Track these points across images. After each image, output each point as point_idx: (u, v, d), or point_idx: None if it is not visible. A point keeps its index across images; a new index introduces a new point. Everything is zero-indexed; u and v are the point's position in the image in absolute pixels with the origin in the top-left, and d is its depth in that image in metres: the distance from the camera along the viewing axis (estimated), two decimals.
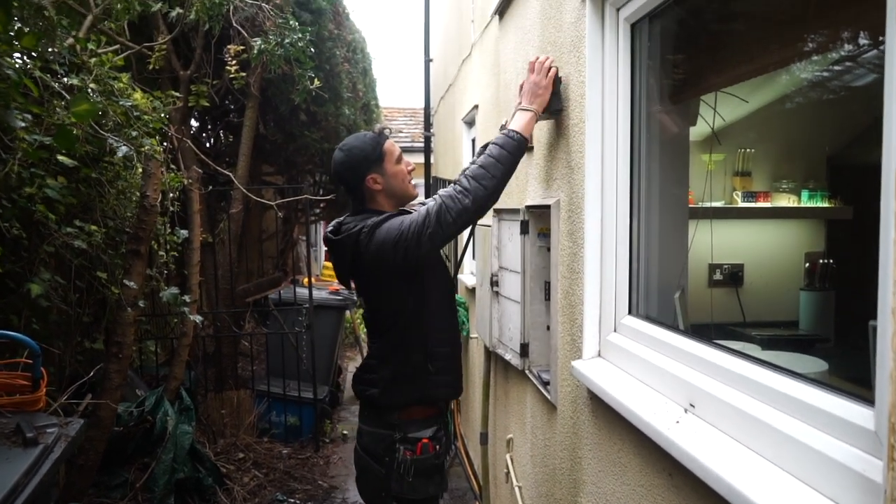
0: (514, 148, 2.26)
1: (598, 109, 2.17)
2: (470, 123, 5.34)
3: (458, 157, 5.92)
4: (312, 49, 3.52)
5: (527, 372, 3.10)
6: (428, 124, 8.25)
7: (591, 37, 2.17)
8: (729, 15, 1.96)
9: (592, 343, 2.23)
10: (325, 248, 2.59)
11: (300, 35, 3.27)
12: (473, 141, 5.30)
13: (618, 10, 2.12)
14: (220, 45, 5.98)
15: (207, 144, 7.67)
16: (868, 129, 3.28)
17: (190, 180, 4.07)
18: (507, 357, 3.36)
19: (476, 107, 4.62)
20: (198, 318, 3.73)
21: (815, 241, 3.38)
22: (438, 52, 7.76)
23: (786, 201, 3.28)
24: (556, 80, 2.46)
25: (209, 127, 7.57)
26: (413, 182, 2.50)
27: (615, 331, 2.17)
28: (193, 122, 7.53)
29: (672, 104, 2.16)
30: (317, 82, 3.68)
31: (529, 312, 3.09)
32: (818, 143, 3.29)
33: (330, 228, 2.46)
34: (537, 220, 3.07)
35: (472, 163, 2.80)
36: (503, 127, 2.59)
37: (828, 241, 3.35)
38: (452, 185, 2.30)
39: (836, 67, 2.88)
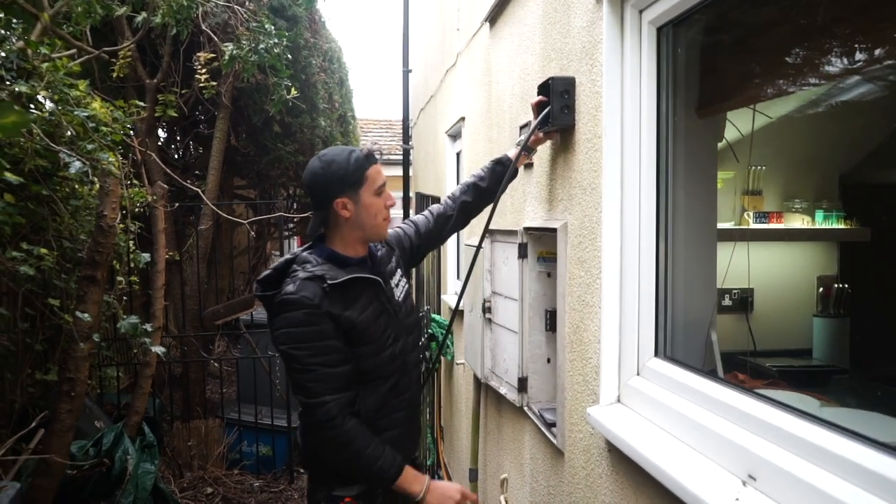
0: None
1: (616, 123, 1.93)
2: (454, 136, 5.08)
3: (440, 171, 5.66)
4: (289, 56, 3.23)
5: (525, 409, 2.83)
6: (407, 136, 7.98)
7: (609, 42, 1.92)
8: (769, 22, 1.72)
9: (610, 387, 1.97)
10: None
11: (276, 41, 2.99)
12: (458, 155, 5.04)
13: (640, 11, 1.87)
14: (189, 53, 5.66)
15: (176, 157, 7.32)
16: (882, 145, 3.10)
17: (155, 196, 3.75)
18: (502, 391, 3.09)
19: (462, 119, 4.37)
20: (160, 350, 3.40)
21: (828, 264, 3.18)
22: (418, 62, 7.51)
23: (799, 222, 3.08)
24: (562, 94, 2.21)
25: (178, 139, 7.23)
26: (390, 217, 2.11)
27: (638, 374, 1.91)
28: (161, 134, 7.19)
29: (699, 118, 1.91)
30: (293, 91, 3.39)
31: (528, 344, 2.83)
32: (830, 159, 3.10)
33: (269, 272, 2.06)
34: (537, 244, 2.82)
35: (467, 185, 2.53)
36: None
37: (841, 265, 3.15)
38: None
39: (851, 80, 2.68)
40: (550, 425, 2.52)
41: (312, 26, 6.78)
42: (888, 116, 2.98)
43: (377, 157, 2.04)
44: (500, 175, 2.53)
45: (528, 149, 2.47)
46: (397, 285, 2.19)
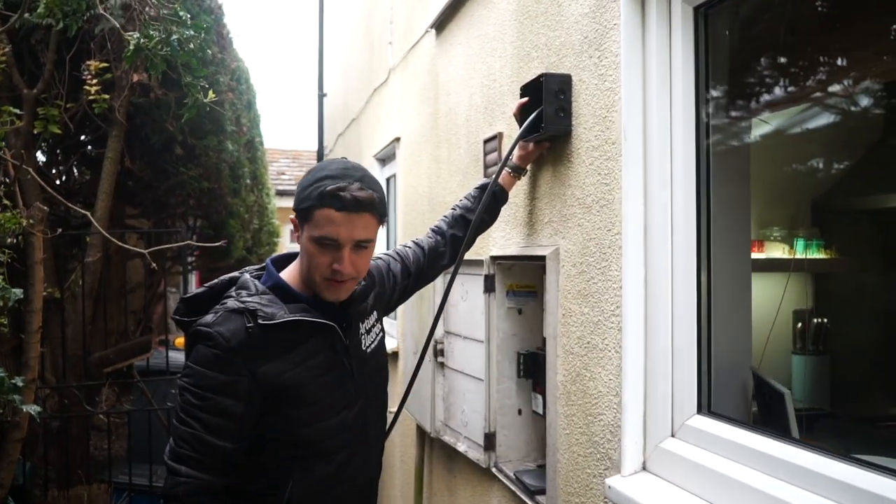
0: None
1: (638, 126, 1.57)
2: (384, 160, 4.66)
3: None
4: (207, 51, 2.73)
5: (493, 470, 2.40)
6: None
7: (628, 28, 1.58)
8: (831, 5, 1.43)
9: (634, 452, 1.57)
10: None
11: (192, 32, 2.50)
12: (389, 180, 4.61)
13: None
14: (77, 62, 4.96)
15: (59, 182, 6.47)
16: (854, 168, 2.94)
17: (31, 221, 3.09)
18: (460, 447, 2.65)
19: (397, 139, 3.96)
20: (34, 409, 2.73)
21: (801, 296, 2.97)
22: (335, 85, 7.07)
23: (779, 252, 2.87)
24: (557, 95, 1.85)
25: (60, 159, 6.39)
26: (340, 283, 1.49)
27: (673, 436, 1.53)
28: (41, 157, 6.34)
29: (737, 119, 1.59)
30: (211, 95, 2.88)
31: (496, 393, 2.42)
32: (803, 183, 2.91)
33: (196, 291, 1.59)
34: (506, 275, 2.43)
35: (454, 218, 2.06)
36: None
37: (816, 297, 2.95)
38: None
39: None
40: (535, 493, 2.10)
41: (220, 41, 6.21)
42: (856, 141, 2.83)
43: (349, 202, 1.40)
44: (490, 203, 2.04)
45: (517, 169, 2.06)
46: (368, 332, 1.67)
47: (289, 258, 1.63)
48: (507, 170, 2.06)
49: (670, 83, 1.55)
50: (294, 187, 1.66)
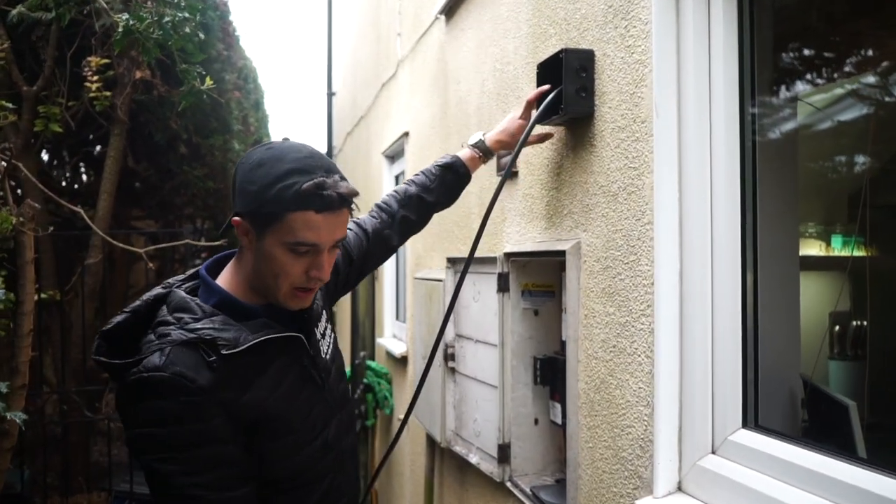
0: None
1: (671, 100, 1.39)
2: (393, 156, 4.50)
3: (371, 198, 5.03)
4: (200, 35, 2.57)
5: (508, 484, 2.22)
6: None
7: None
8: None
9: (668, 470, 1.39)
10: None
11: (187, 15, 2.34)
12: (398, 177, 4.45)
13: None
14: (78, 59, 4.85)
15: (63, 183, 6.37)
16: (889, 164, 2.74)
17: (21, 218, 2.94)
18: (472, 459, 2.46)
19: (405, 134, 3.79)
20: (20, 417, 2.57)
21: (838, 297, 2.76)
22: (345, 82, 6.92)
23: (816, 249, 2.68)
24: (578, 73, 1.67)
25: (66, 159, 6.28)
26: (308, 293, 1.29)
27: (714, 452, 1.35)
28: (44, 157, 6.24)
29: (786, 96, 1.41)
30: (209, 82, 2.72)
31: (511, 401, 2.23)
32: (840, 177, 2.71)
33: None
34: (521, 273, 2.25)
35: (408, 196, 1.82)
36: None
37: (854, 298, 2.75)
38: None
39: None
40: None
41: (227, 39, 6.09)
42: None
43: (334, 201, 1.20)
44: (452, 185, 1.87)
45: (486, 152, 1.91)
46: (323, 336, 1.44)
47: (219, 263, 1.36)
48: (475, 150, 1.90)
49: (709, 52, 1.37)
50: None
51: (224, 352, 1.17)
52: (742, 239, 1.32)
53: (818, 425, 1.43)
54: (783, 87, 1.46)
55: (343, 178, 1.24)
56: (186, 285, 1.31)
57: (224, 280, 1.31)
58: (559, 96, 1.69)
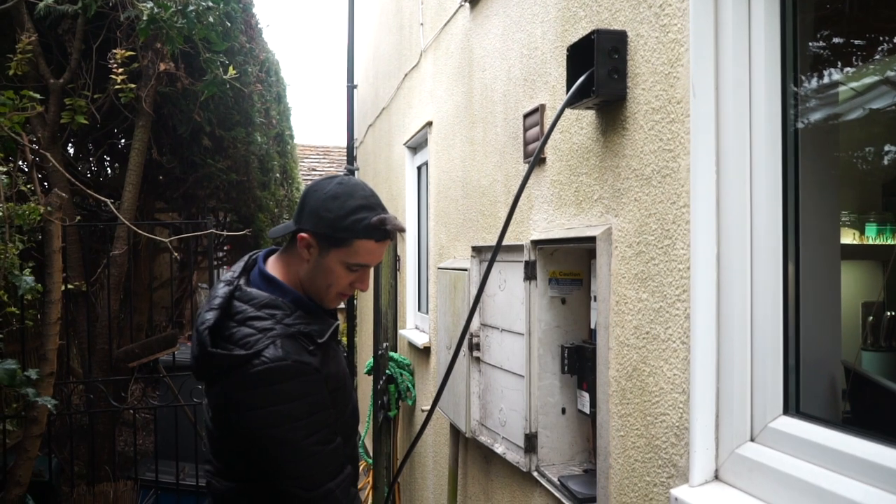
0: None
1: (709, 79, 1.36)
2: (415, 147, 4.48)
3: (394, 189, 5.03)
4: (227, 22, 2.57)
5: (535, 474, 2.20)
6: (351, 157, 7.33)
7: None
8: None
9: (704, 458, 1.36)
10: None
11: (211, 4, 2.33)
12: (421, 168, 4.42)
13: None
14: (103, 52, 4.88)
15: (89, 175, 6.43)
16: None
17: (49, 208, 2.97)
18: (498, 449, 2.44)
19: (429, 124, 3.77)
20: (51, 402, 2.60)
21: (873, 286, 2.70)
22: (366, 74, 6.91)
23: (850, 237, 2.62)
24: (610, 54, 1.64)
25: (91, 151, 6.34)
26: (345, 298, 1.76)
27: (753, 440, 1.31)
28: (70, 150, 6.30)
29: (827, 81, 1.37)
30: (232, 71, 2.72)
31: (538, 390, 2.21)
32: (875, 164, 2.64)
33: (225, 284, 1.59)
34: (548, 261, 2.22)
35: None
36: None
37: (888, 288, 2.68)
38: None
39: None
40: (583, 501, 1.89)
41: (249, 31, 6.09)
42: None
43: (391, 234, 1.57)
44: None
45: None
46: None
47: (265, 261, 1.65)
48: None
49: (749, 30, 1.33)
50: None
51: (319, 340, 1.52)
52: (784, 223, 1.28)
53: (862, 413, 1.38)
54: (826, 69, 1.42)
55: (395, 217, 1.57)
56: (242, 280, 1.59)
57: (282, 280, 1.60)
58: (590, 79, 1.66)
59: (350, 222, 1.50)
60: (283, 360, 1.44)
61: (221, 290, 1.55)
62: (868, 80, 1.77)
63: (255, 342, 1.45)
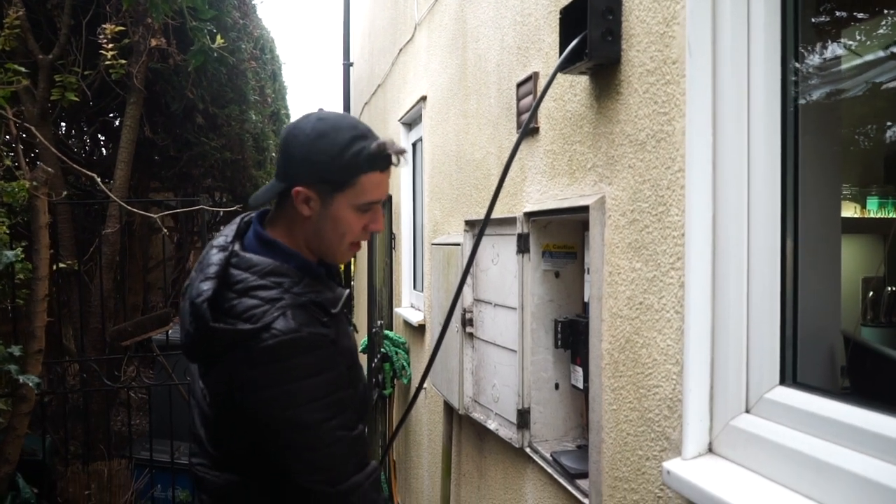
0: None
1: (706, 37, 1.30)
2: (410, 123, 4.41)
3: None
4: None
5: (527, 450, 2.16)
6: None
7: None
8: None
9: (699, 431, 1.32)
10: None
11: None
12: (415, 144, 4.36)
13: None
14: (93, 28, 4.80)
15: (83, 154, 6.36)
16: None
17: (35, 183, 2.91)
18: (491, 426, 2.41)
19: (423, 98, 3.70)
20: (33, 380, 2.56)
21: (873, 261, 2.66)
22: (362, 52, 6.82)
23: (851, 211, 2.56)
24: (604, 15, 1.58)
25: (84, 130, 6.26)
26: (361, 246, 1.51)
27: (748, 411, 1.27)
28: (63, 129, 6.23)
29: (830, 39, 1.31)
30: (220, 40, 2.65)
31: (531, 365, 2.17)
32: (877, 137, 2.59)
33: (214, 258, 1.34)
34: (542, 234, 2.17)
35: None
36: None
37: (888, 263, 2.64)
38: None
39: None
40: (575, 476, 1.86)
41: (242, 6, 6.00)
42: None
43: (394, 160, 1.39)
44: None
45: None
46: None
47: (267, 224, 1.44)
48: None
49: None
50: None
51: (332, 310, 1.36)
52: (783, 187, 1.23)
53: (863, 383, 1.34)
54: (828, 27, 1.36)
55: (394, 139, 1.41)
56: (237, 245, 1.38)
57: (284, 242, 1.40)
58: (583, 41, 1.60)
59: (348, 158, 1.31)
60: (296, 331, 1.26)
61: (215, 256, 1.34)
62: (870, 41, 1.71)
63: (262, 314, 1.26)
